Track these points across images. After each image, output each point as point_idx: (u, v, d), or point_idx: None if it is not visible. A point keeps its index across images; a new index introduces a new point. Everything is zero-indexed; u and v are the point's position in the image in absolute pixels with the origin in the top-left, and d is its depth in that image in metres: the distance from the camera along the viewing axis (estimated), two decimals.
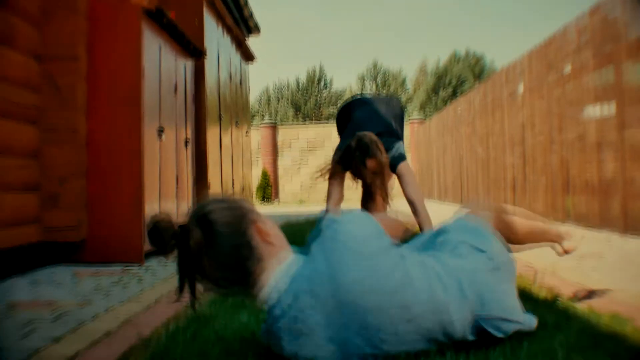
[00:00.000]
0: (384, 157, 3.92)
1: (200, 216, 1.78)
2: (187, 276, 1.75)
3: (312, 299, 1.69)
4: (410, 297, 1.73)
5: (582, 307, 2.56)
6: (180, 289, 1.76)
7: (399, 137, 4.30)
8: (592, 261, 4.25)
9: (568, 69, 7.34)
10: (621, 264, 4.12)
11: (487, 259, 1.93)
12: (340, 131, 4.56)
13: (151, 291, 3.48)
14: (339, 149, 4.14)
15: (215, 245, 1.74)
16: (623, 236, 5.79)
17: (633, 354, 1.76)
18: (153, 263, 4.74)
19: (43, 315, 2.84)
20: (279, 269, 1.78)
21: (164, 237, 1.72)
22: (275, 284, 1.76)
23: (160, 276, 4.06)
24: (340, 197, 4.12)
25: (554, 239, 2.82)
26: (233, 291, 1.89)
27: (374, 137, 3.93)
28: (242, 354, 1.90)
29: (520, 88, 9.18)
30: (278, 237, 1.86)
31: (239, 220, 1.78)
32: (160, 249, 1.74)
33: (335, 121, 4.67)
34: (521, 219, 2.56)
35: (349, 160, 3.97)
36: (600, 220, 6.44)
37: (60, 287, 3.67)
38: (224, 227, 1.75)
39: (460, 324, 1.79)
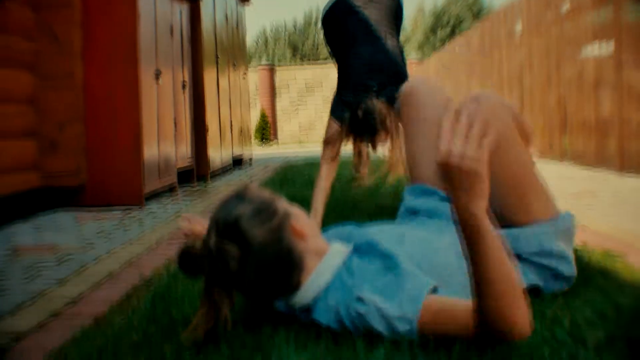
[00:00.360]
0: (391, 124, 3.53)
1: (230, 228, 1.55)
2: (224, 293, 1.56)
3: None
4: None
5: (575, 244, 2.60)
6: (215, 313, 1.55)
7: (405, 76, 3.76)
8: (587, 199, 4.30)
9: (566, 7, 7.28)
10: (615, 203, 4.17)
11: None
12: (333, 49, 3.88)
13: (152, 233, 3.53)
14: (339, 111, 3.53)
15: (256, 259, 1.54)
16: (620, 175, 5.83)
17: (623, 289, 1.81)
18: (153, 205, 4.78)
19: (46, 259, 2.89)
20: (319, 268, 1.60)
21: (198, 264, 1.56)
22: (317, 283, 1.59)
23: (160, 218, 4.11)
24: (336, 163, 3.69)
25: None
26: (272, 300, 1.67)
27: (383, 109, 3.43)
28: None
29: (519, 27, 9.10)
30: (310, 226, 1.65)
31: (274, 225, 1.56)
32: (193, 274, 1.59)
33: (331, 58, 4.02)
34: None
35: (354, 128, 3.49)
36: (597, 159, 6.47)
37: (62, 231, 3.73)
38: (261, 236, 1.54)
39: None
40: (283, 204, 1.63)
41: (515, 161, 1.83)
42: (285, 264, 1.56)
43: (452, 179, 1.30)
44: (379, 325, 1.46)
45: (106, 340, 1.61)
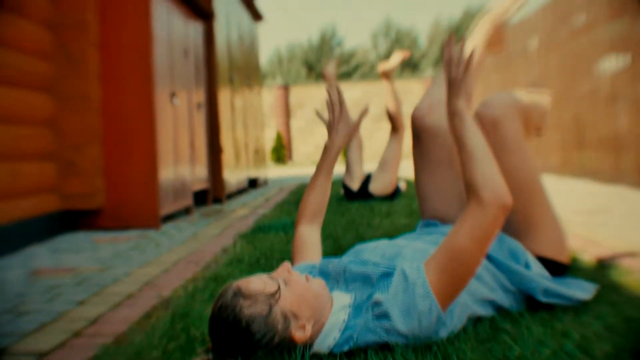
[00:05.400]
0: None
1: (236, 333, 1.54)
2: None
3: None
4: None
5: (587, 259, 2.62)
6: None
7: None
8: (601, 216, 4.29)
9: (582, 20, 7.29)
10: (630, 219, 4.17)
11: None
12: None
13: (169, 254, 3.57)
14: None
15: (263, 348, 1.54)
16: (637, 190, 5.81)
17: (633, 303, 1.83)
18: (169, 227, 4.83)
19: (66, 281, 2.94)
20: (325, 329, 1.61)
21: None
22: (326, 344, 1.60)
23: (177, 240, 4.15)
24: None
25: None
26: None
27: None
28: None
29: (534, 43, 9.12)
30: (309, 308, 1.60)
31: (276, 343, 1.55)
32: None
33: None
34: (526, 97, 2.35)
35: None
36: (614, 175, 6.46)
37: (80, 253, 3.77)
38: (260, 333, 1.53)
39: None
40: (275, 286, 1.58)
41: (521, 167, 2.04)
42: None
43: (449, 84, 1.78)
44: (400, 316, 1.53)
45: (127, 357, 1.64)
